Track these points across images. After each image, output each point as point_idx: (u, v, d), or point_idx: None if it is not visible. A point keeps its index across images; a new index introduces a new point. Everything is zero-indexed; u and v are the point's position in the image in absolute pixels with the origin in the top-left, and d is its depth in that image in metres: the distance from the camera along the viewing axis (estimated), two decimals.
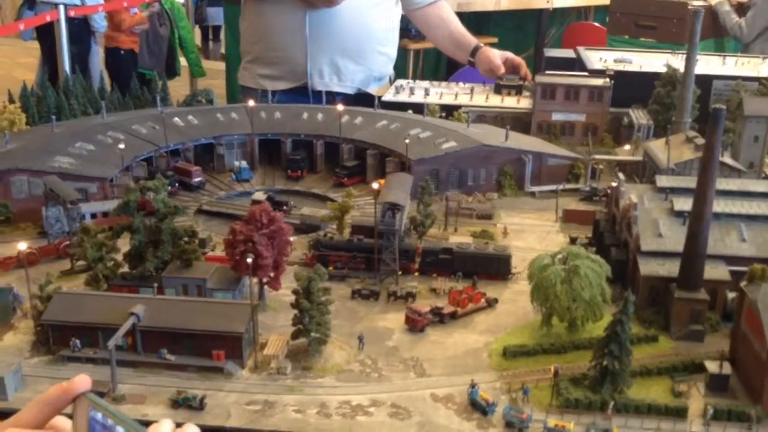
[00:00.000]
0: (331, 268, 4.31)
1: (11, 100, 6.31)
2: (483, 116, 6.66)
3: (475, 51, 7.22)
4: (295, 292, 3.58)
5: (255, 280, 3.86)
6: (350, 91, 6.88)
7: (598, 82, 6.48)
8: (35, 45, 12.97)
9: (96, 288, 3.94)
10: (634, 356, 3.32)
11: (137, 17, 12.01)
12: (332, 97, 6.65)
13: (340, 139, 5.93)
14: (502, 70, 7.16)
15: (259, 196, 5.28)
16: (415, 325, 3.83)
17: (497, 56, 7.16)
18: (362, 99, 6.82)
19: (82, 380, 1.42)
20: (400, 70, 13.79)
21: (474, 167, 5.47)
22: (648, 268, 3.86)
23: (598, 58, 7.47)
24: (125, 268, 4.06)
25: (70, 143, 5.25)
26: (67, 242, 4.41)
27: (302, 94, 6.76)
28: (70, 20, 10.02)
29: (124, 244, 4.12)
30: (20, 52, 18.66)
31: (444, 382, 3.44)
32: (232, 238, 3.83)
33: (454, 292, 4.06)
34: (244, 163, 5.85)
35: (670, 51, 7.89)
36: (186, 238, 4.08)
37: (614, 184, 4.55)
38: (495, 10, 13.38)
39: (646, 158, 5.43)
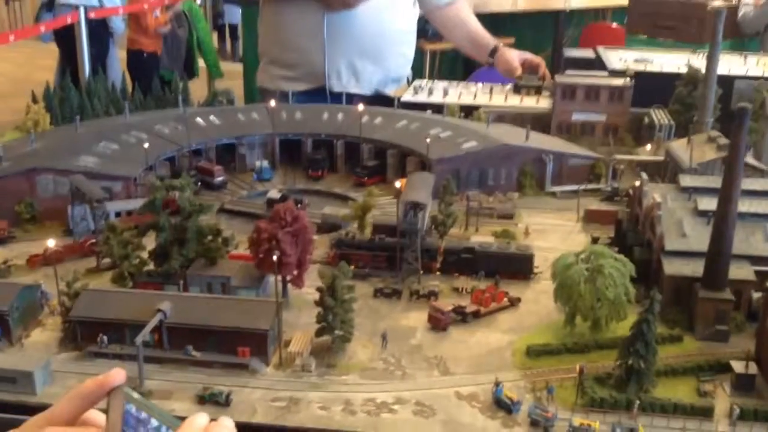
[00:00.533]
0: (353, 267, 4.31)
1: (35, 101, 6.39)
2: (502, 116, 6.65)
3: (493, 51, 7.22)
4: (319, 289, 3.60)
5: (279, 277, 3.89)
6: (368, 92, 6.90)
7: (619, 82, 6.46)
8: (54, 47, 13.09)
9: (122, 285, 3.99)
10: (659, 356, 3.32)
11: (161, 19, 12.10)
12: (350, 98, 6.67)
13: (360, 138, 5.94)
14: (520, 71, 7.16)
15: (275, 194, 5.32)
16: (438, 323, 3.84)
17: (516, 57, 7.17)
18: (380, 100, 6.84)
19: (117, 374, 1.43)
20: (416, 71, 13.80)
21: (495, 167, 5.47)
22: (672, 267, 3.84)
23: (618, 58, 7.44)
24: (150, 266, 4.09)
25: (95, 143, 5.31)
26: (93, 240, 4.46)
27: (320, 95, 6.79)
28: (88, 22, 10.12)
29: (149, 242, 4.17)
30: (39, 54, 18.84)
31: (468, 380, 3.44)
32: (256, 236, 3.86)
33: (476, 291, 4.07)
34: (265, 163, 5.89)
35: (690, 51, 7.85)
36: (210, 237, 4.11)
37: (637, 184, 4.54)
38: (512, 11, 13.37)
39: (668, 158, 5.41)
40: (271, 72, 7.02)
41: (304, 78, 6.84)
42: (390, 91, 7.09)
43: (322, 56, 6.64)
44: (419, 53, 14.11)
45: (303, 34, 6.68)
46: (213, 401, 3.21)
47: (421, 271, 4.32)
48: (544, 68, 7.26)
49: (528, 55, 7.24)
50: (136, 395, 1.41)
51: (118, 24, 11.93)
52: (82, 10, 9.84)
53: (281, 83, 6.84)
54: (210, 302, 3.69)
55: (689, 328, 3.74)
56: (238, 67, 14.36)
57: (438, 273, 4.41)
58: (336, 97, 6.69)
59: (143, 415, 1.39)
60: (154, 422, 1.39)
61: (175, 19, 12.54)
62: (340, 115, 6.21)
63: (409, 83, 7.48)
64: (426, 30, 13.90)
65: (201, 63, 13.86)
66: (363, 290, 4.13)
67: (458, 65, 15.56)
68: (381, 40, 6.85)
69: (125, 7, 11.61)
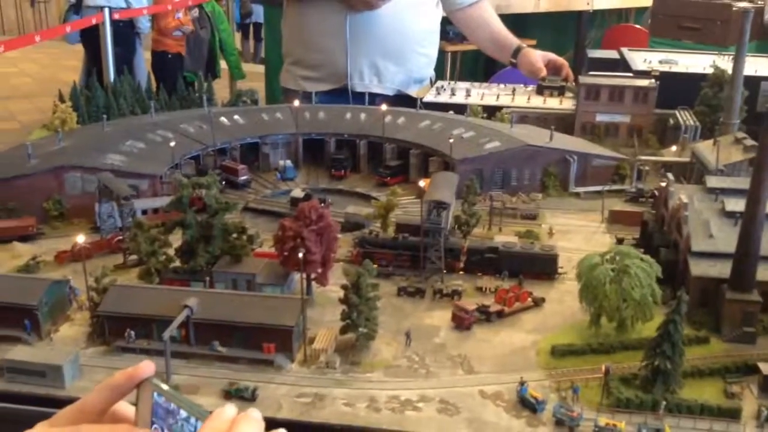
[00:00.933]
0: (376, 265, 4.33)
1: (62, 100, 6.48)
2: (525, 117, 6.64)
3: (516, 52, 7.20)
4: (344, 287, 3.62)
5: (303, 275, 3.91)
6: (390, 92, 6.92)
7: (644, 82, 6.42)
8: (80, 48, 13.26)
9: (148, 282, 4.03)
10: (685, 357, 3.29)
11: (182, 21, 12.22)
12: (372, 98, 6.69)
13: (383, 138, 5.96)
14: (544, 72, 7.14)
15: (298, 193, 5.35)
16: (461, 322, 3.84)
17: (539, 58, 7.14)
18: (403, 101, 6.85)
19: (146, 366, 1.45)
20: (438, 73, 13.82)
21: (518, 167, 5.46)
22: (699, 268, 3.82)
23: (643, 59, 7.40)
24: (177, 263, 4.13)
25: (121, 141, 5.38)
26: (120, 237, 4.51)
27: (342, 95, 6.82)
28: (115, 23, 10.24)
29: (175, 240, 4.21)
30: (65, 55, 19.09)
31: (492, 379, 3.44)
32: (281, 234, 3.88)
33: (500, 290, 4.06)
34: (288, 163, 5.92)
35: (716, 52, 7.78)
36: (236, 234, 4.14)
37: (663, 185, 4.51)
38: (534, 12, 13.33)
39: (693, 159, 5.37)
40: (294, 72, 7.06)
41: (326, 78, 6.87)
42: (413, 91, 7.10)
43: (345, 56, 6.67)
44: (440, 54, 14.15)
45: (326, 34, 6.71)
46: (239, 396, 3.24)
47: (445, 271, 4.32)
48: (568, 69, 7.24)
49: (551, 56, 7.22)
50: (165, 387, 1.42)
51: (144, 24, 12.08)
52: (106, 11, 9.96)
53: (304, 83, 6.88)
54: (236, 299, 3.72)
55: (716, 330, 3.71)
56: (260, 69, 14.45)
57: (461, 272, 4.41)
58: (358, 97, 6.71)
59: (172, 406, 1.40)
60: (183, 413, 1.40)
61: (198, 21, 12.65)
62: (363, 116, 6.23)
63: (432, 84, 7.48)
64: (447, 32, 13.93)
65: (223, 64, 13.98)
66: (386, 289, 4.14)
67: (479, 67, 15.55)
68: (404, 40, 6.87)
69: (149, 8, 11.73)
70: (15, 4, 22.06)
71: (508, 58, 7.31)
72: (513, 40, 7.33)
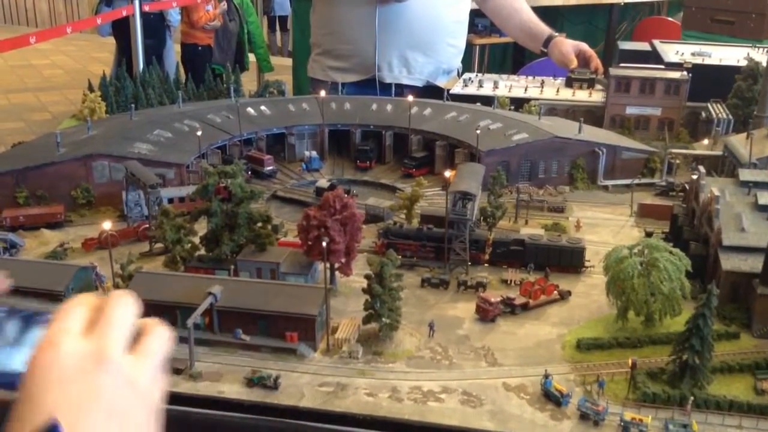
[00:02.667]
0: (400, 256, 4.31)
1: (91, 89, 6.54)
2: (554, 109, 6.57)
3: (548, 41, 7.11)
4: (367, 276, 3.60)
5: (327, 265, 3.90)
6: (419, 83, 6.89)
7: (675, 75, 6.30)
8: (110, 41, 13.41)
9: (174, 269, 4.05)
10: (714, 352, 3.23)
11: (212, 14, 12.29)
12: (401, 89, 6.66)
13: (409, 130, 5.93)
14: (575, 63, 7.03)
15: (323, 183, 5.35)
16: (485, 314, 3.80)
17: (570, 48, 7.02)
18: (431, 91, 6.81)
19: None
20: (465, 65, 13.75)
21: (545, 159, 5.40)
22: (730, 263, 3.74)
23: (675, 51, 7.27)
24: (202, 251, 4.15)
25: (149, 131, 5.41)
26: (146, 225, 4.54)
27: (371, 86, 6.80)
28: (145, 15, 10.32)
29: (200, 228, 4.22)
30: (95, 47, 19.33)
31: (516, 372, 3.40)
32: (305, 224, 3.87)
33: (526, 283, 4.02)
34: (314, 153, 5.92)
35: (750, 45, 7.63)
36: (260, 223, 4.15)
37: (694, 177, 4.43)
38: (564, 5, 13.18)
39: (726, 153, 5.26)
40: (322, 63, 7.06)
41: (355, 69, 6.86)
42: (441, 82, 7.05)
43: (374, 47, 6.65)
44: (468, 47, 14.07)
45: (355, 25, 6.70)
46: (261, 384, 3.23)
47: (469, 262, 4.29)
48: (597, 61, 7.13)
49: (583, 47, 7.09)
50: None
51: (174, 17, 12.17)
52: (137, 2, 10.04)
53: (333, 74, 6.87)
54: (259, 287, 3.72)
55: (746, 326, 3.63)
56: (287, 62, 14.49)
57: (486, 264, 4.37)
58: (386, 88, 6.69)
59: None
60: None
61: (227, 13, 12.71)
62: (389, 107, 6.20)
63: (459, 75, 7.43)
64: (475, 24, 13.85)
65: (251, 57, 14.03)
66: (410, 280, 4.12)
67: (507, 60, 15.43)
68: (433, 31, 6.83)
69: (179, 0, 11.80)
70: None
71: (540, 48, 7.19)
72: (544, 29, 7.21)
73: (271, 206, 5.29)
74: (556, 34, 7.18)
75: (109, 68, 12.77)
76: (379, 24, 6.54)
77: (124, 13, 10.29)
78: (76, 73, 17.26)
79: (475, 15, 13.88)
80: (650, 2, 14.40)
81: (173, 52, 12.71)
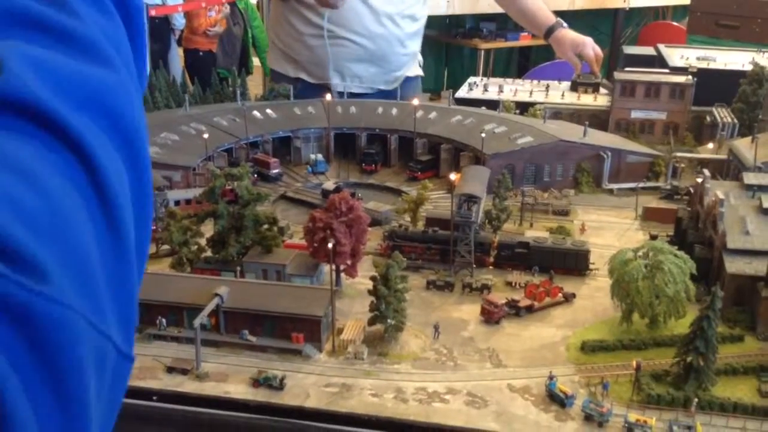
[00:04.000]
0: (405, 259, 4.32)
1: None
2: (559, 113, 6.59)
3: (550, 31, 6.94)
4: (373, 278, 3.62)
5: (332, 266, 3.92)
6: (370, 91, 6.73)
7: (681, 79, 6.32)
8: None
9: (180, 271, 4.07)
10: (719, 355, 3.24)
11: (213, 19, 12.34)
12: (353, 95, 6.57)
13: (414, 133, 5.95)
14: (579, 68, 7.01)
15: (329, 185, 5.37)
16: (490, 316, 3.82)
17: (570, 51, 6.87)
18: (384, 95, 6.69)
19: None
20: (470, 70, 13.78)
21: (550, 163, 5.42)
22: (734, 266, 3.74)
23: (680, 55, 7.28)
24: (208, 253, 4.18)
25: (156, 133, 5.44)
26: (153, 227, 4.57)
27: (324, 90, 6.53)
28: (151, 19, 10.39)
29: (207, 230, 4.25)
30: None
31: (521, 373, 3.42)
32: (311, 225, 3.90)
33: (530, 285, 4.03)
34: (320, 156, 5.95)
35: (755, 50, 7.63)
36: (267, 225, 4.17)
37: (699, 181, 4.44)
38: (569, 10, 13.20)
39: (731, 157, 5.27)
40: (278, 55, 6.90)
41: (307, 69, 6.70)
42: (395, 86, 6.83)
43: (326, 60, 6.47)
44: (473, 52, 14.13)
45: (306, 38, 6.51)
46: (267, 384, 3.26)
47: (474, 265, 4.30)
48: (595, 65, 6.98)
49: (582, 48, 6.88)
50: None
51: (179, 21, 12.23)
52: (144, 8, 10.11)
53: (288, 68, 6.76)
54: (265, 288, 3.74)
55: (751, 328, 3.64)
56: None
57: (491, 267, 4.38)
58: (340, 95, 6.56)
59: None
60: None
61: (231, 17, 12.76)
62: (394, 110, 6.23)
63: (420, 66, 7.23)
64: (480, 29, 13.89)
65: (256, 61, 14.07)
66: (415, 282, 4.14)
67: (512, 64, 15.47)
68: (386, 44, 6.55)
69: (184, 5, 11.88)
70: None
71: (543, 35, 7.04)
72: (546, 19, 6.97)
73: (278, 208, 5.33)
74: (561, 25, 6.93)
75: None
76: (329, 38, 6.35)
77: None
78: None
79: (481, 19, 13.96)
80: (655, 7, 14.41)
81: (177, 56, 12.78)
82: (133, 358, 0.94)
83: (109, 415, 0.89)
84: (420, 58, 7.24)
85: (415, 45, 6.98)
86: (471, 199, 4.29)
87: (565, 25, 7.03)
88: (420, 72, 7.23)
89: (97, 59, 0.99)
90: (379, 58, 6.63)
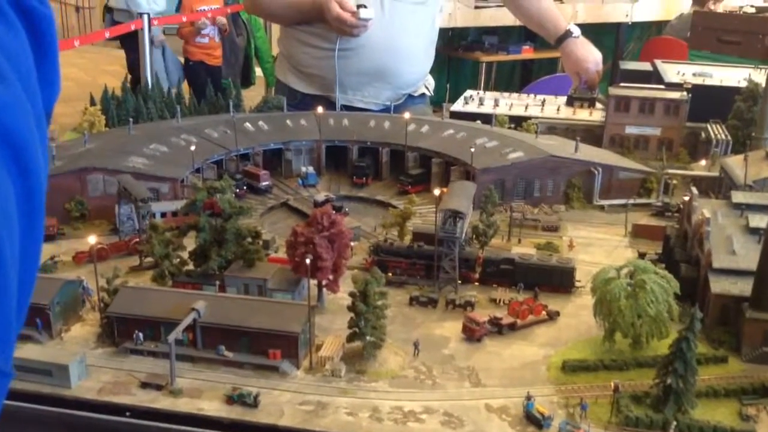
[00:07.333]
0: (390, 273, 4.30)
1: (92, 103, 6.58)
2: (553, 128, 6.56)
3: (561, 39, 6.85)
4: (351, 294, 3.58)
5: (314, 282, 3.89)
6: (376, 108, 6.72)
7: (675, 95, 6.28)
8: (120, 53, 13.53)
9: (162, 284, 4.05)
10: (700, 376, 3.19)
11: (195, 28, 12.37)
12: (359, 110, 6.57)
13: (405, 147, 5.93)
14: (576, 84, 6.98)
15: (321, 197, 5.36)
16: (472, 334, 3.77)
17: (573, 71, 6.86)
18: (389, 110, 6.67)
19: None
20: (471, 83, 13.77)
21: (541, 178, 5.38)
22: (719, 285, 3.69)
23: (676, 71, 7.25)
24: (190, 266, 4.15)
25: (145, 144, 5.43)
26: (137, 239, 4.55)
27: (328, 102, 6.62)
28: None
29: (190, 243, 4.22)
30: (105, 59, 19.49)
31: (499, 393, 3.37)
32: (293, 240, 3.87)
33: (513, 302, 3.98)
34: (310, 169, 5.93)
35: (753, 66, 7.60)
36: (249, 239, 4.14)
37: (686, 198, 4.39)
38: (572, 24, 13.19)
39: (722, 174, 5.22)
40: (284, 67, 6.94)
41: (314, 85, 6.73)
42: (399, 102, 6.83)
43: (333, 74, 6.48)
44: (475, 64, 14.12)
45: (315, 52, 6.56)
46: (241, 401, 3.21)
47: (459, 281, 4.26)
48: (594, 82, 6.96)
49: (585, 70, 6.86)
50: None
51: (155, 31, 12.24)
52: (146, 17, 10.15)
53: (293, 80, 6.78)
54: (244, 303, 3.71)
55: (735, 350, 3.58)
56: None
57: (476, 283, 4.34)
58: (344, 108, 6.57)
59: None
60: None
61: (234, 27, 12.82)
62: (386, 123, 6.21)
63: (428, 88, 7.26)
64: (482, 41, 13.89)
65: (258, 72, 14.11)
66: (398, 298, 4.10)
67: (515, 77, 15.46)
68: (395, 61, 6.55)
69: (187, 15, 11.93)
70: (60, 11, 22.64)
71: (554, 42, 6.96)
72: (556, 27, 6.86)
73: (267, 221, 5.30)
74: (573, 33, 6.78)
75: (119, 81, 12.91)
76: (339, 55, 6.37)
77: (133, 27, 10.42)
78: (87, 85, 17.36)
79: (483, 32, 13.95)
80: (657, 22, 14.39)
81: (173, 65, 12.84)
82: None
83: None
84: (430, 78, 7.23)
85: (424, 65, 6.95)
86: (456, 215, 4.25)
87: (576, 34, 6.87)
88: (427, 91, 7.23)
89: None
90: (387, 74, 6.61)
